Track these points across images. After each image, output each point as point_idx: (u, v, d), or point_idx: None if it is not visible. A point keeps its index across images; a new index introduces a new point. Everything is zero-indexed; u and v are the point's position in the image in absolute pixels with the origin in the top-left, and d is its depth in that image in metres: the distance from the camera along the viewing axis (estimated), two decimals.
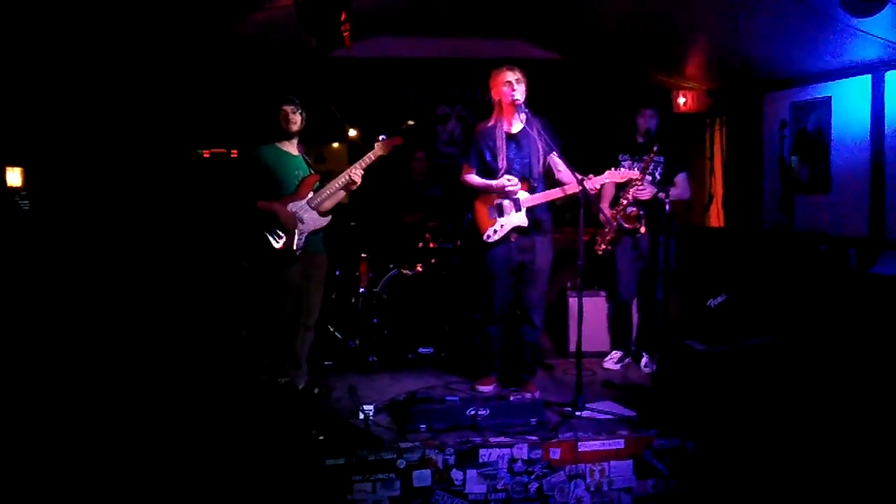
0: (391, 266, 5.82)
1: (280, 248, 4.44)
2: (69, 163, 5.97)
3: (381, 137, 4.57)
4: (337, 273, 5.80)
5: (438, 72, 7.80)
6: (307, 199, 4.57)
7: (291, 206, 4.52)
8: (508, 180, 4.52)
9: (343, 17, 4.01)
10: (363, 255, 5.99)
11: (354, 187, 4.59)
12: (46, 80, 5.45)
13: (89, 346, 5.32)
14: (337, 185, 4.57)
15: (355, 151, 4.58)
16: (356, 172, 4.53)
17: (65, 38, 4.82)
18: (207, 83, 6.60)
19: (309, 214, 4.56)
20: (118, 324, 5.65)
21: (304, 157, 4.73)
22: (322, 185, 4.63)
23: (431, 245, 5.95)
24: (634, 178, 4.56)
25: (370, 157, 4.55)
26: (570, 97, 7.43)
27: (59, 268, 5.73)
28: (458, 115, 7.92)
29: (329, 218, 4.63)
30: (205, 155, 6.80)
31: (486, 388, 4.76)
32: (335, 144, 7.63)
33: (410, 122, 7.76)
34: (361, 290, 5.80)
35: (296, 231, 4.50)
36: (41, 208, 5.75)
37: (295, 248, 4.49)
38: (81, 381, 4.80)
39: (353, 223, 6.19)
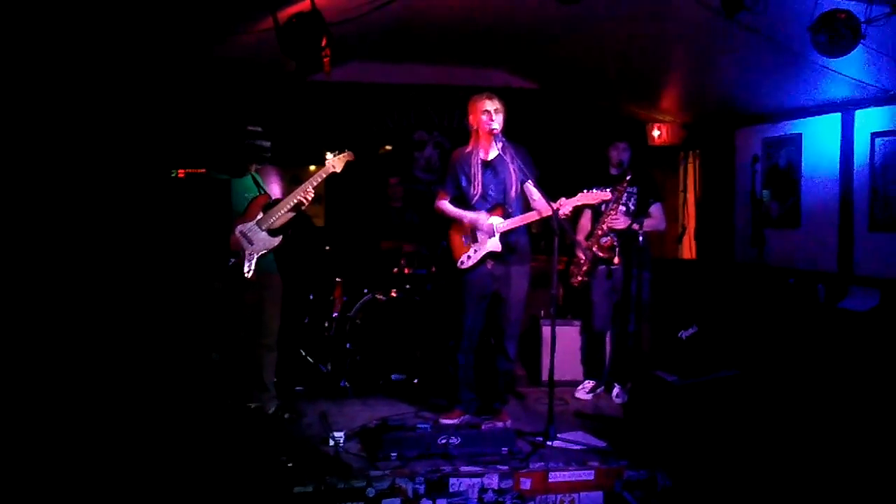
0: (365, 291, 5.80)
1: (231, 269, 4.41)
2: (40, 180, 5.89)
3: (328, 155, 4.55)
4: (310, 297, 5.76)
5: (416, 98, 7.84)
6: (256, 220, 4.54)
7: (241, 228, 4.49)
8: (485, 221, 4.55)
9: (324, 42, 4.01)
10: (337, 279, 5.96)
11: (305, 207, 4.57)
12: (20, 94, 5.39)
13: (58, 367, 5.22)
14: (288, 206, 4.54)
15: (332, 174, 4.57)
16: (307, 192, 4.50)
17: (39, 53, 4.78)
18: (184, 103, 6.57)
19: (258, 236, 4.52)
20: (89, 343, 5.56)
21: (253, 177, 4.71)
22: (273, 205, 4.59)
23: (406, 271, 5.94)
24: (606, 198, 4.58)
25: (321, 174, 4.52)
26: (545, 126, 7.49)
27: (27, 285, 5.62)
28: (435, 141, 7.95)
29: (280, 238, 4.58)
30: (180, 175, 6.74)
31: (451, 422, 4.63)
32: (312, 167, 7.61)
33: (388, 147, 7.78)
34: (335, 314, 5.77)
35: (245, 253, 4.47)
36: (8, 223, 5.66)
37: (245, 270, 4.45)
38: (47, 402, 4.71)
39: (328, 247, 6.17)
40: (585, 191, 4.49)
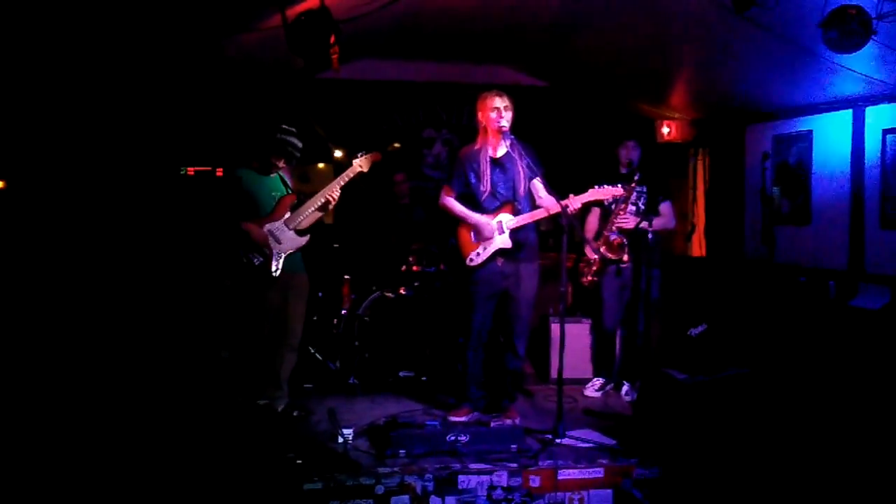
0: (374, 288, 5.80)
1: (258, 268, 4.42)
2: (52, 178, 5.92)
3: (359, 154, 4.57)
4: (319, 295, 5.76)
5: (425, 95, 7.83)
6: (284, 219, 4.56)
7: (268, 227, 4.49)
8: (489, 225, 4.53)
9: (332, 39, 4.01)
10: (346, 276, 5.96)
11: (332, 205, 4.57)
12: (31, 94, 5.41)
13: (67, 362, 5.25)
14: (315, 205, 4.56)
15: (341, 172, 4.59)
16: (335, 191, 4.51)
17: (49, 53, 4.80)
18: (193, 101, 6.58)
19: (286, 235, 4.53)
20: (98, 342, 5.58)
21: (280, 176, 4.72)
22: (300, 204, 4.61)
23: (415, 268, 5.94)
24: (618, 193, 4.55)
25: (349, 174, 4.53)
26: (555, 124, 7.48)
27: (40, 282, 5.66)
28: (443, 138, 7.94)
29: (307, 237, 4.61)
30: (189, 173, 6.76)
31: (460, 419, 4.66)
32: (320, 165, 7.62)
33: (396, 145, 7.78)
34: (343, 312, 5.77)
35: (273, 252, 4.48)
36: (21, 222, 5.69)
37: (273, 269, 4.46)
38: (56, 397, 4.73)
39: (336, 245, 6.17)
40: (596, 187, 4.47)
